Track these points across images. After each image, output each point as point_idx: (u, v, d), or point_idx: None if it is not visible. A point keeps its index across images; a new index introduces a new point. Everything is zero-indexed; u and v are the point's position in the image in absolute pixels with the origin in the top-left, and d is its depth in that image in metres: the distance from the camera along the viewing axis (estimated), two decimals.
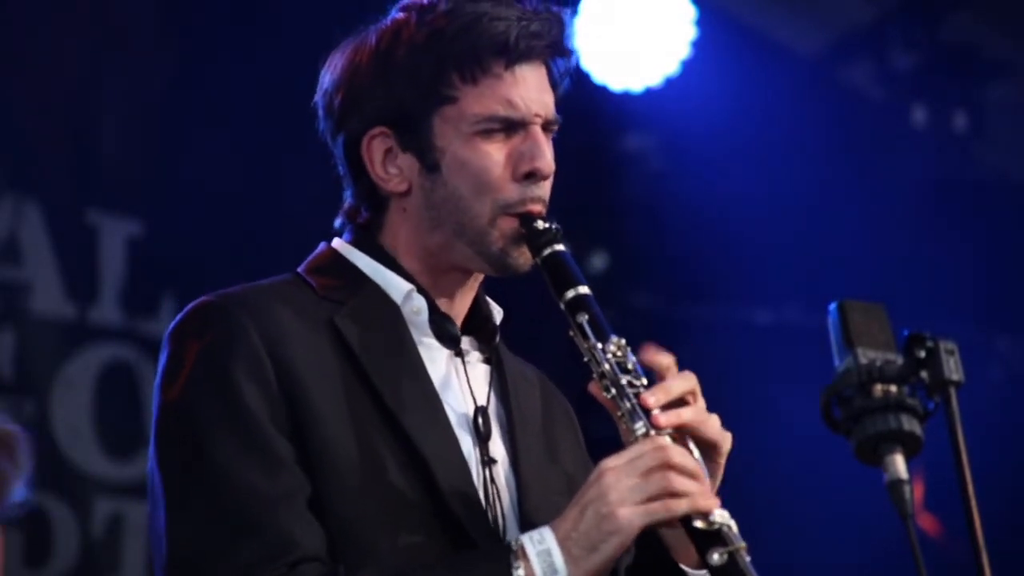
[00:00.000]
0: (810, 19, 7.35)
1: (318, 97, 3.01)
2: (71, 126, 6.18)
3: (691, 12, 6.76)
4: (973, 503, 2.44)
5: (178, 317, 2.87)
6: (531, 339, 3.16)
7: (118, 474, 6.11)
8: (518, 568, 2.66)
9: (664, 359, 2.80)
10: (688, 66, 6.78)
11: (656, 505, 2.66)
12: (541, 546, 2.67)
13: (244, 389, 2.76)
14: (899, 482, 2.44)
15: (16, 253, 6.08)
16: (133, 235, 6.27)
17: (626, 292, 6.99)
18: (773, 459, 6.45)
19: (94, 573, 6.12)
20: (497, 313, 3.04)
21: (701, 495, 2.68)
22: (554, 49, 2.95)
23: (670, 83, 6.79)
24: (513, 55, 2.90)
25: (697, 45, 6.77)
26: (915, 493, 2.46)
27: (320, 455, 2.76)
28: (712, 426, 2.81)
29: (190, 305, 2.88)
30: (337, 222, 3.04)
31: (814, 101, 7.23)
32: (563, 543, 2.67)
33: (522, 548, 2.67)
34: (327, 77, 2.99)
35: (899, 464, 2.45)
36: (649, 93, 6.79)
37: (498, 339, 3.03)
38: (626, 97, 6.75)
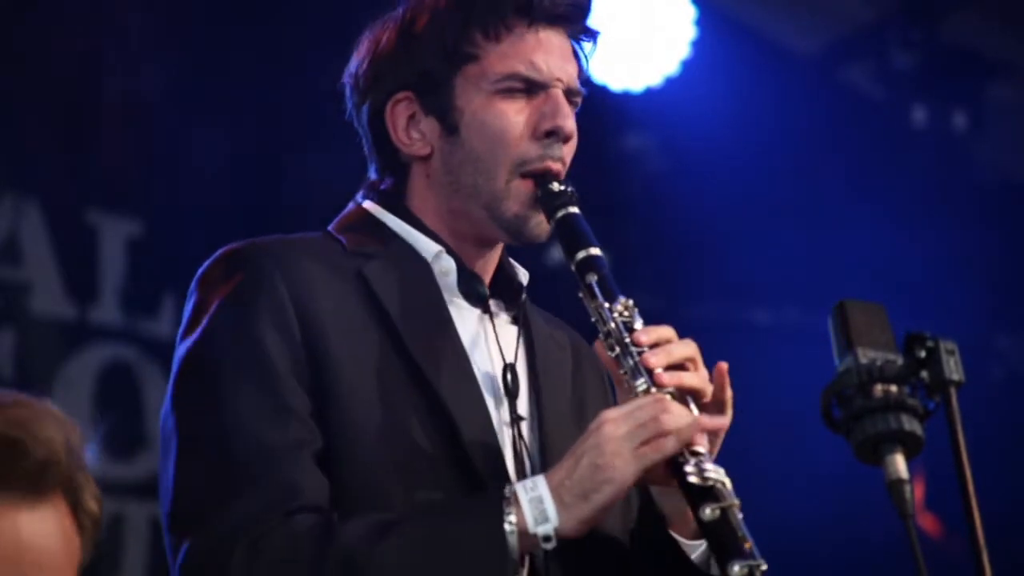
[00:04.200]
0: (810, 19, 7.35)
1: (346, 77, 3.03)
2: (71, 126, 6.18)
3: (691, 12, 6.77)
4: (974, 503, 2.43)
5: (206, 263, 2.89)
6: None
7: (118, 475, 6.10)
8: (510, 514, 2.66)
9: (663, 330, 2.82)
10: (688, 66, 6.78)
11: (645, 448, 2.67)
12: (533, 493, 2.67)
13: (266, 337, 2.76)
14: (899, 482, 2.43)
15: (16, 253, 6.08)
16: (133, 235, 6.27)
17: (625, 292, 6.97)
18: (772, 459, 6.45)
19: (94, 574, 6.11)
20: (523, 274, 3.06)
21: (689, 428, 2.68)
22: (577, 12, 2.97)
23: (670, 83, 6.79)
24: (536, 13, 2.92)
25: (697, 45, 6.77)
26: (915, 493, 2.46)
27: (340, 406, 2.76)
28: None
29: (218, 251, 2.90)
30: (359, 196, 3.04)
31: (814, 101, 7.23)
32: (555, 491, 2.67)
33: (515, 495, 2.67)
34: (355, 56, 3.01)
35: (899, 464, 2.44)
36: (649, 93, 6.80)
37: (524, 298, 3.04)
38: (626, 97, 6.76)
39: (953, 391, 2.46)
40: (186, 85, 6.28)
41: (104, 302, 6.22)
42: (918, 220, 7.08)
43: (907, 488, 2.43)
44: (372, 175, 3.04)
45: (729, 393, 2.87)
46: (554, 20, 2.95)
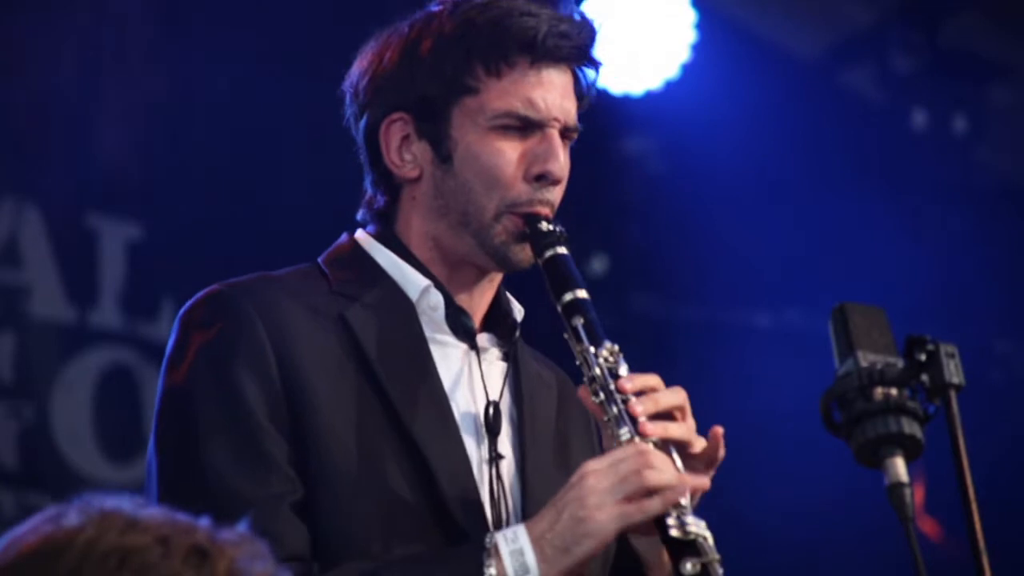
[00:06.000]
0: (810, 23, 7.35)
1: (346, 84, 3.02)
2: (71, 128, 6.18)
3: (691, 15, 6.77)
4: (974, 506, 2.43)
5: (188, 302, 2.89)
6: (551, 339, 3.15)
7: (118, 477, 6.10)
8: (490, 566, 2.67)
9: (649, 377, 2.80)
10: (688, 69, 6.78)
11: (630, 507, 2.66)
12: (514, 545, 2.68)
13: (245, 385, 2.77)
14: (899, 485, 2.43)
15: (16, 256, 6.08)
16: (133, 238, 6.27)
17: (626, 295, 6.99)
18: (772, 462, 6.44)
19: None
20: (518, 311, 3.04)
21: (674, 489, 2.66)
22: (581, 53, 2.96)
23: (670, 86, 6.79)
24: (539, 52, 2.91)
25: (697, 48, 6.77)
26: (915, 496, 2.46)
27: (319, 453, 2.76)
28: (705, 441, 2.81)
29: (201, 292, 2.89)
30: (359, 214, 3.04)
31: (814, 105, 7.23)
32: (537, 543, 2.67)
33: (495, 546, 2.68)
34: (357, 65, 3.01)
35: (899, 467, 2.44)
36: (649, 96, 6.79)
37: (517, 336, 3.03)
38: (626, 100, 6.76)
39: (953, 394, 2.46)
40: (186, 86, 6.27)
41: (104, 305, 6.22)
42: (918, 224, 7.08)
43: (907, 491, 2.43)
44: (367, 188, 3.03)
45: (722, 453, 2.84)
46: (557, 60, 2.94)
